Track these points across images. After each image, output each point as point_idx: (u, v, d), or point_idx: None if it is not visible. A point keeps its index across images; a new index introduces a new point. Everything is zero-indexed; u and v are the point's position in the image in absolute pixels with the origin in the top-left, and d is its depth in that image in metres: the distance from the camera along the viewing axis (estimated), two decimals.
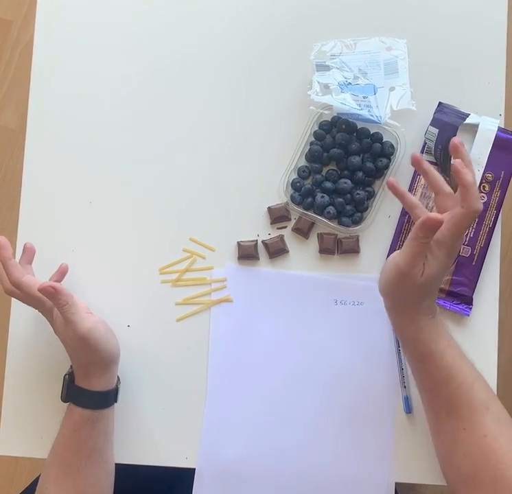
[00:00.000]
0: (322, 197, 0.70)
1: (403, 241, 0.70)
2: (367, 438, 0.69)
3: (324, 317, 0.71)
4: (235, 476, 0.69)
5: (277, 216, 0.71)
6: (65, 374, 0.66)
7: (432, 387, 0.61)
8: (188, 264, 0.71)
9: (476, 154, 0.69)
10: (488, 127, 0.69)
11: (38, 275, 0.72)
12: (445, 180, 0.69)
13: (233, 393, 0.70)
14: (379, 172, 0.71)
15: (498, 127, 0.69)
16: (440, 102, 0.71)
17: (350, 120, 0.70)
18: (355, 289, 0.71)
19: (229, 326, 0.71)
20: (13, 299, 0.71)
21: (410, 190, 0.71)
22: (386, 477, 0.69)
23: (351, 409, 0.70)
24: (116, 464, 0.68)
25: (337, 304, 0.71)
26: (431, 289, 0.59)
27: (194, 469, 0.69)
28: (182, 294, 0.72)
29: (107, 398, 0.65)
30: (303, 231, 0.71)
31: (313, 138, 0.71)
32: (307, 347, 0.71)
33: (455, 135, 0.67)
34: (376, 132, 0.71)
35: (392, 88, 0.70)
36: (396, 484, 0.69)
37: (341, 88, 0.69)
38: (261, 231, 0.72)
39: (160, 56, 0.74)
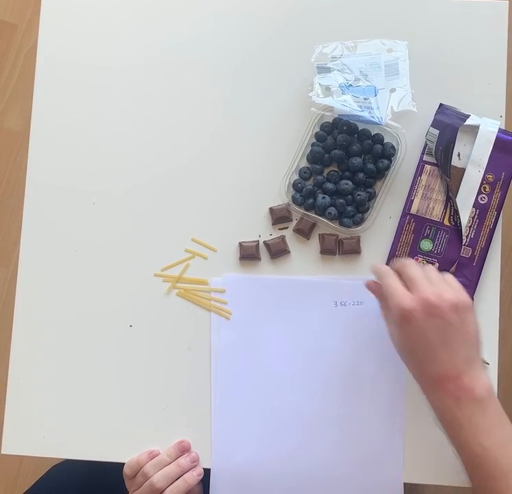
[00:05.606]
0: (324, 198, 0.70)
1: (404, 242, 0.71)
2: (375, 439, 0.69)
3: (325, 320, 0.71)
4: (248, 480, 0.69)
5: (279, 217, 0.72)
6: None
7: (463, 465, 0.59)
8: (183, 268, 0.72)
9: (477, 155, 0.69)
10: (489, 128, 0.69)
11: (42, 275, 0.73)
12: (446, 180, 0.70)
13: (238, 399, 0.70)
14: (380, 173, 0.71)
15: (499, 128, 0.69)
16: (441, 103, 0.71)
17: (351, 121, 0.70)
18: (353, 290, 0.71)
19: (230, 333, 0.71)
20: (16, 298, 0.72)
21: (410, 192, 0.71)
22: (395, 478, 0.68)
23: (357, 411, 0.69)
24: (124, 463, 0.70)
25: (337, 306, 0.71)
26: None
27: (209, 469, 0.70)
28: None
29: None
30: (304, 232, 0.72)
31: (314, 140, 0.72)
32: (310, 351, 0.70)
33: (456, 136, 0.68)
34: (377, 134, 0.71)
35: (393, 90, 0.70)
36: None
37: (342, 89, 0.69)
38: (262, 232, 0.73)
39: (162, 61, 0.75)
